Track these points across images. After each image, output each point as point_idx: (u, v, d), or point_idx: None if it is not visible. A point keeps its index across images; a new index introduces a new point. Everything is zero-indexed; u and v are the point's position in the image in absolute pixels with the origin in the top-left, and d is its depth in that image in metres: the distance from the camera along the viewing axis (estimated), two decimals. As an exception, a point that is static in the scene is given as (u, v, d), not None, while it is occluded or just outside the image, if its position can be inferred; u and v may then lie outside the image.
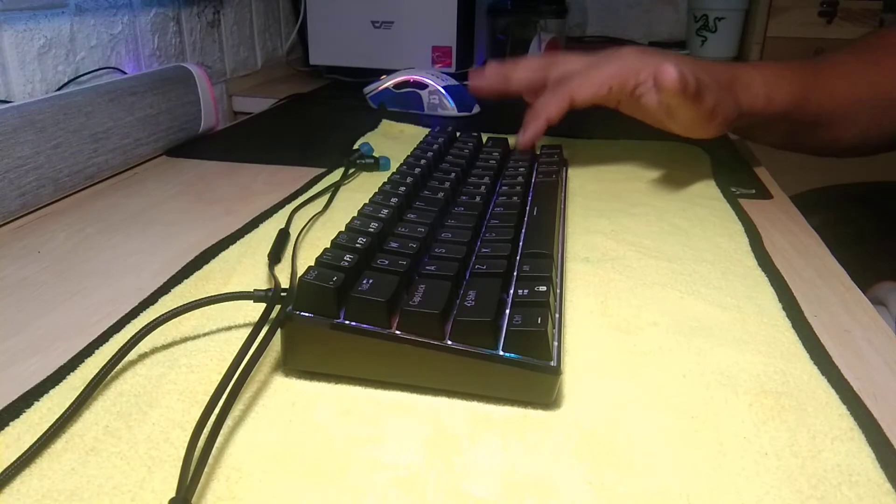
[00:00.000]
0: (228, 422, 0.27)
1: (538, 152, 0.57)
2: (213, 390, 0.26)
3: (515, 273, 0.33)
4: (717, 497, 0.24)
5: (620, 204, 0.51)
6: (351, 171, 0.59)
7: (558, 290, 0.34)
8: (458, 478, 0.25)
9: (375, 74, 0.87)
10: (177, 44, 0.85)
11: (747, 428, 0.27)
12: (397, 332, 0.28)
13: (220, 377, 0.27)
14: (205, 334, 0.33)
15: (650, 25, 1.52)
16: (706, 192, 0.54)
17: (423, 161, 0.48)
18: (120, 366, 0.30)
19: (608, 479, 0.25)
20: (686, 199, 0.53)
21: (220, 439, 0.26)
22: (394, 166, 0.60)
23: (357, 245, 0.33)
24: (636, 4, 1.51)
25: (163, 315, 0.31)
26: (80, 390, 0.28)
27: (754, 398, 0.29)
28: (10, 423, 0.27)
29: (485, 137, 0.60)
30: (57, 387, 0.29)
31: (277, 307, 0.31)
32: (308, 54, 1.06)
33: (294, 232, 0.46)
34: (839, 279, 0.40)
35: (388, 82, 0.84)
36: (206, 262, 0.41)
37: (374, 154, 0.61)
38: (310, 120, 0.81)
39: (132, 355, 0.31)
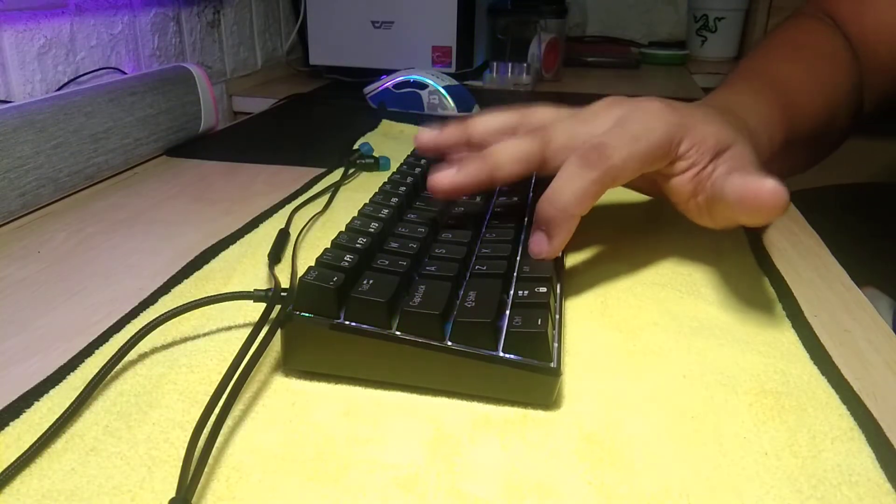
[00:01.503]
0: (228, 422, 0.27)
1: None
2: (213, 390, 0.26)
3: (515, 274, 0.33)
4: (717, 497, 0.24)
5: (620, 204, 0.51)
6: (351, 171, 0.59)
7: (558, 291, 0.34)
8: (458, 478, 0.25)
9: (375, 74, 0.87)
10: (177, 44, 0.85)
11: (747, 428, 0.27)
12: (397, 332, 0.28)
13: (220, 377, 0.27)
14: (205, 334, 0.33)
15: (650, 25, 1.52)
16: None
17: (423, 161, 0.48)
18: (120, 366, 0.30)
19: (608, 479, 0.25)
20: (686, 199, 0.53)
21: (220, 439, 0.26)
22: (394, 166, 0.60)
23: (357, 245, 0.33)
24: (636, 4, 1.51)
25: (163, 315, 0.31)
26: (80, 390, 0.28)
27: (754, 398, 0.29)
28: (10, 423, 0.27)
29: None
30: (57, 387, 0.29)
31: (277, 307, 0.31)
32: (308, 54, 1.06)
33: (294, 232, 0.46)
34: (839, 279, 0.40)
35: (388, 82, 0.84)
36: (206, 262, 0.41)
37: (374, 154, 0.61)
38: (310, 120, 0.81)
39: (132, 355, 0.31)
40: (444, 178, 0.36)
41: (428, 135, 0.40)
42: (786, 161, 0.49)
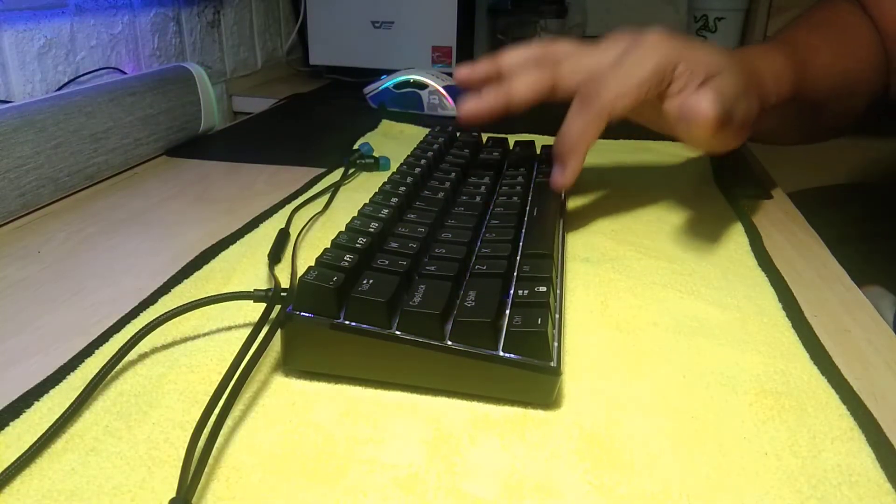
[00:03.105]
0: (228, 422, 0.27)
1: (538, 152, 0.57)
2: (213, 390, 0.26)
3: (516, 273, 0.33)
4: (717, 497, 0.24)
5: (620, 204, 0.51)
6: (351, 171, 0.59)
7: (558, 291, 0.34)
8: (458, 478, 0.25)
9: (375, 74, 0.87)
10: (177, 44, 0.85)
11: (747, 428, 0.27)
12: (397, 332, 0.28)
13: (220, 377, 0.27)
14: (205, 334, 0.33)
15: (650, 25, 1.52)
16: (706, 192, 0.54)
17: (423, 161, 0.48)
18: (120, 366, 0.30)
19: (608, 479, 0.25)
20: (686, 198, 0.53)
21: (220, 439, 0.26)
22: (394, 166, 0.60)
23: (357, 245, 0.33)
24: (636, 4, 1.51)
25: (163, 315, 0.31)
26: (80, 390, 0.28)
27: (754, 398, 0.29)
28: (10, 423, 0.27)
29: (485, 137, 0.60)
30: (57, 387, 0.29)
31: (277, 307, 0.31)
32: (308, 54, 1.06)
33: (294, 232, 0.46)
34: (839, 279, 0.40)
35: (388, 82, 0.84)
36: (206, 262, 0.41)
37: (374, 154, 0.61)
38: (310, 120, 0.81)
39: (132, 355, 0.31)
40: (470, 105, 0.42)
41: (466, 68, 0.45)
42: (793, 122, 0.52)
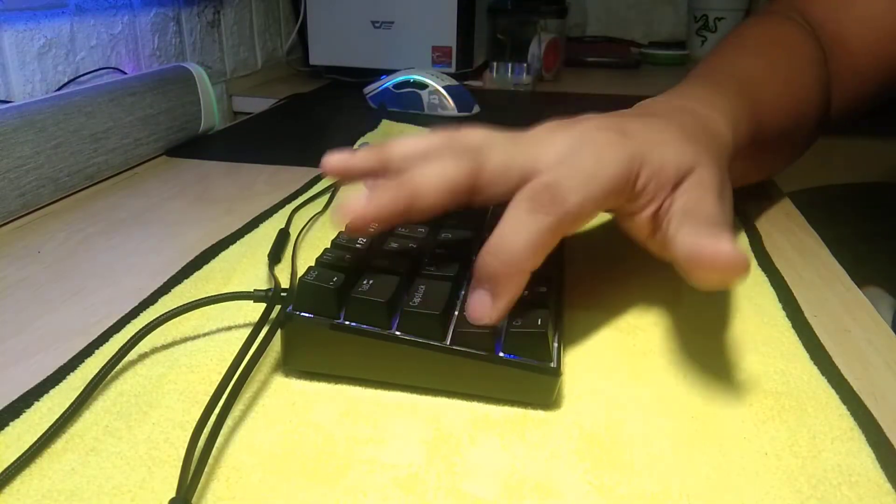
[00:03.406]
0: (228, 422, 0.27)
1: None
2: (213, 390, 0.26)
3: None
4: (717, 497, 0.24)
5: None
6: (351, 171, 0.59)
7: (558, 291, 0.34)
8: (458, 478, 0.25)
9: (375, 74, 0.87)
10: (177, 44, 0.85)
11: (747, 428, 0.27)
12: (397, 332, 0.28)
13: (220, 377, 0.27)
14: (205, 334, 0.33)
15: (650, 25, 1.52)
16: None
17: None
18: (120, 366, 0.30)
19: (608, 480, 0.25)
20: (686, 199, 0.53)
21: (220, 439, 0.26)
22: (394, 166, 0.60)
23: (357, 245, 0.33)
24: (636, 4, 1.51)
25: (163, 315, 0.31)
26: (80, 390, 0.28)
27: (754, 398, 0.29)
28: (10, 423, 0.27)
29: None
30: (57, 387, 0.29)
31: (277, 307, 0.31)
32: (308, 54, 1.06)
33: (294, 232, 0.46)
34: (839, 279, 0.40)
35: (388, 82, 0.84)
36: (206, 262, 0.41)
37: (374, 154, 0.61)
38: (310, 120, 0.81)
39: (132, 355, 0.31)
40: (352, 210, 0.29)
41: (337, 157, 0.33)
42: (749, 164, 0.44)
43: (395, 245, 0.33)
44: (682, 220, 0.29)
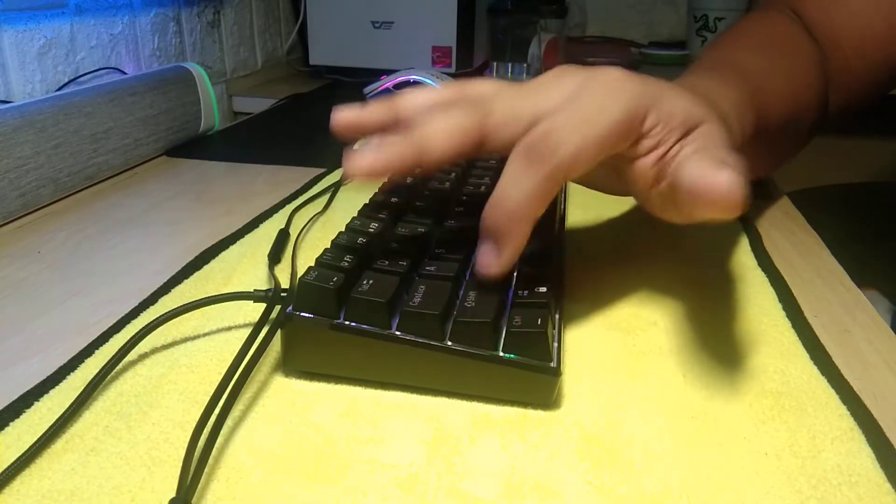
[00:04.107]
0: (228, 422, 0.27)
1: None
2: (213, 390, 0.26)
3: (515, 273, 0.33)
4: (717, 497, 0.24)
5: (620, 204, 0.51)
6: (351, 171, 0.59)
7: (558, 291, 0.34)
8: (458, 478, 0.25)
9: (375, 74, 0.87)
10: (177, 44, 0.85)
11: (747, 428, 0.27)
12: (397, 332, 0.28)
13: (220, 377, 0.27)
14: (205, 334, 0.33)
15: (650, 25, 1.52)
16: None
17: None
18: (120, 366, 0.30)
19: (608, 480, 0.25)
20: (686, 199, 0.53)
21: (220, 439, 0.26)
22: (394, 166, 0.60)
23: (357, 245, 0.33)
24: (636, 4, 1.51)
25: (163, 315, 0.31)
26: (80, 390, 0.28)
27: (754, 398, 0.29)
28: (10, 423, 0.27)
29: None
30: (57, 387, 0.29)
31: (277, 307, 0.31)
32: (308, 54, 1.06)
33: (294, 232, 0.46)
34: (839, 279, 0.40)
35: (388, 82, 0.84)
36: (206, 262, 0.41)
37: (374, 154, 0.61)
38: (310, 120, 0.81)
39: (132, 355, 0.31)
40: (362, 160, 0.29)
41: (346, 113, 0.33)
42: (751, 158, 0.41)
43: (395, 245, 0.33)
44: (692, 156, 0.29)
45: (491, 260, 0.29)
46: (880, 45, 0.51)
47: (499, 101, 0.30)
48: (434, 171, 0.32)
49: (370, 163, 0.29)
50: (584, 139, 0.28)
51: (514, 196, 0.29)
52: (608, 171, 0.34)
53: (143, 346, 0.32)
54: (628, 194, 0.35)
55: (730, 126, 0.36)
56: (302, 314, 0.29)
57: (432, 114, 0.30)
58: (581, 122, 0.28)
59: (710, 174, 0.26)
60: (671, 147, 0.30)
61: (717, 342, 0.33)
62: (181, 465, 0.23)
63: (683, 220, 0.32)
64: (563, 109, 0.29)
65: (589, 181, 0.37)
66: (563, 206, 0.48)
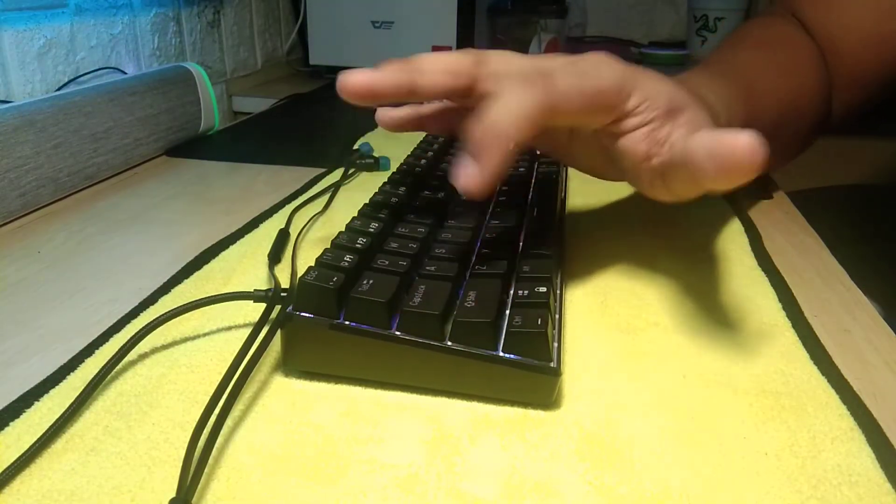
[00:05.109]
0: (228, 422, 0.27)
1: (539, 152, 0.57)
2: (213, 390, 0.26)
3: (515, 273, 0.33)
4: (717, 497, 0.24)
5: (620, 204, 0.51)
6: (351, 171, 0.59)
7: (558, 291, 0.34)
8: (458, 478, 0.25)
9: (375, 74, 0.87)
10: (177, 44, 0.85)
11: (747, 428, 0.27)
12: (397, 332, 0.28)
13: (220, 377, 0.27)
14: (205, 334, 0.33)
15: (650, 25, 1.52)
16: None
17: (423, 161, 0.48)
18: (120, 366, 0.30)
19: (608, 480, 0.25)
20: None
21: (220, 439, 0.26)
22: (394, 166, 0.60)
23: (357, 245, 0.33)
24: (636, 4, 1.51)
25: (163, 315, 0.31)
26: (80, 390, 0.28)
27: (754, 398, 0.29)
28: (10, 423, 0.27)
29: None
30: (57, 387, 0.29)
31: (277, 307, 0.31)
32: (308, 54, 1.06)
33: (294, 232, 0.46)
34: (839, 279, 0.40)
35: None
36: (206, 262, 0.41)
37: (374, 154, 0.61)
38: (310, 120, 0.81)
39: (132, 355, 0.31)
40: (359, 76, 0.31)
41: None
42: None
43: (395, 245, 0.33)
44: (694, 133, 0.30)
45: (472, 174, 0.29)
46: (880, 50, 0.52)
47: (497, 54, 0.33)
48: (425, 99, 0.35)
49: (365, 79, 0.31)
50: (580, 87, 0.30)
51: (502, 111, 0.29)
52: (599, 153, 0.36)
53: (143, 346, 0.32)
54: (622, 178, 0.37)
55: (716, 115, 0.37)
56: (302, 314, 0.29)
57: (435, 54, 0.33)
58: (579, 74, 0.31)
59: (727, 137, 0.27)
60: (661, 126, 0.32)
61: (717, 342, 0.33)
62: (181, 465, 0.23)
63: (673, 196, 0.33)
64: (562, 67, 0.31)
65: (584, 164, 0.40)
66: (563, 206, 0.48)
